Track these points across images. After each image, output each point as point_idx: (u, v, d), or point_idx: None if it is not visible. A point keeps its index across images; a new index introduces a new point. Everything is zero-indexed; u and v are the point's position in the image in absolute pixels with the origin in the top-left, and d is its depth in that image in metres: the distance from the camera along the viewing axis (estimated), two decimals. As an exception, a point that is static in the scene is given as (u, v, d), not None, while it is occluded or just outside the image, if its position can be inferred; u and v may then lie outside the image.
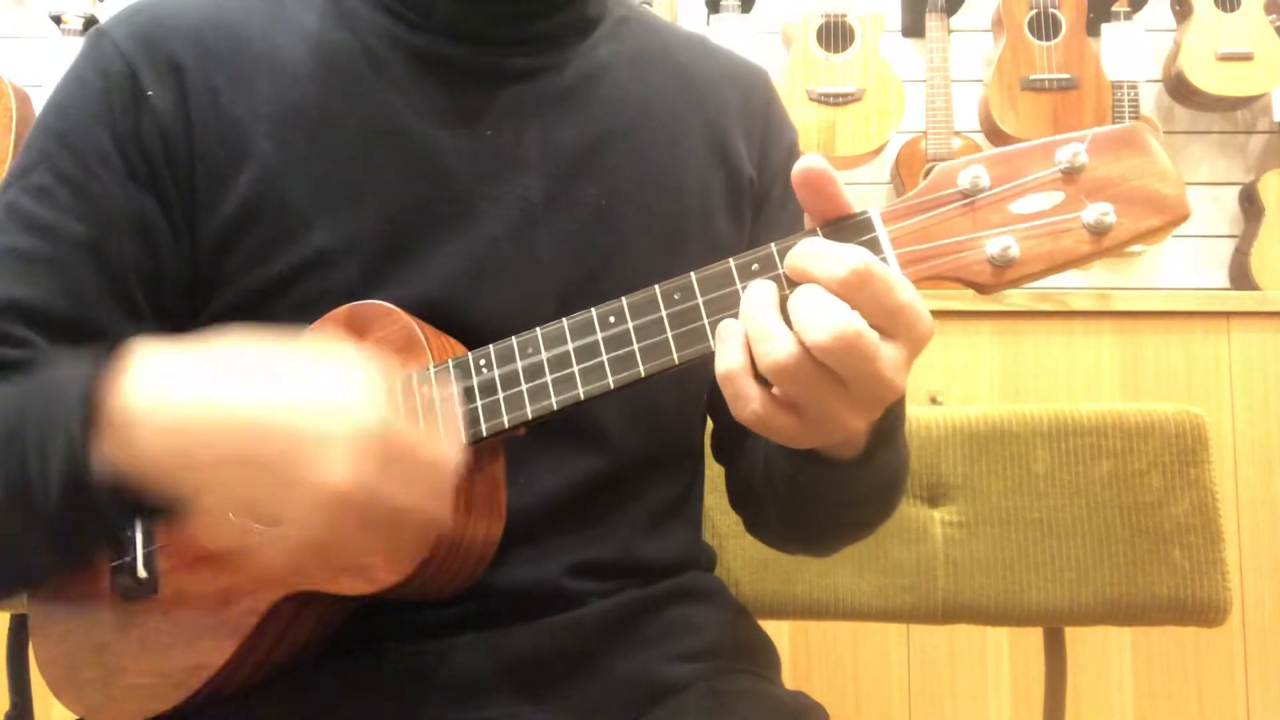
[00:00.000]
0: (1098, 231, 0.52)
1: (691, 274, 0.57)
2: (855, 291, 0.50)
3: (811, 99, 2.35)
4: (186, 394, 0.53)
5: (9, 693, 0.99)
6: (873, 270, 0.50)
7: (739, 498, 0.85)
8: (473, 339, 0.68)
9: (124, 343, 0.56)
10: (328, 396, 0.52)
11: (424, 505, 0.53)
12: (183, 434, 0.52)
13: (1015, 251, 0.52)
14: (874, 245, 0.54)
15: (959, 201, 0.54)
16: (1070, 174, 0.52)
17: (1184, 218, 0.52)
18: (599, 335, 0.59)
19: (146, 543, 0.68)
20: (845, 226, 0.54)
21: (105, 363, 0.54)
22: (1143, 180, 0.52)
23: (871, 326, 0.50)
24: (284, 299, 0.68)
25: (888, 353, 0.51)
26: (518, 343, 0.61)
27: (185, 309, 0.71)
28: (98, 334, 0.68)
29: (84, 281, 0.67)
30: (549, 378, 0.60)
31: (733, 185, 0.80)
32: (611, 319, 0.59)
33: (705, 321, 0.56)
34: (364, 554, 0.58)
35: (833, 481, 0.66)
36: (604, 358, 0.59)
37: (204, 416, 0.52)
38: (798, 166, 0.53)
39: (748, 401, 0.53)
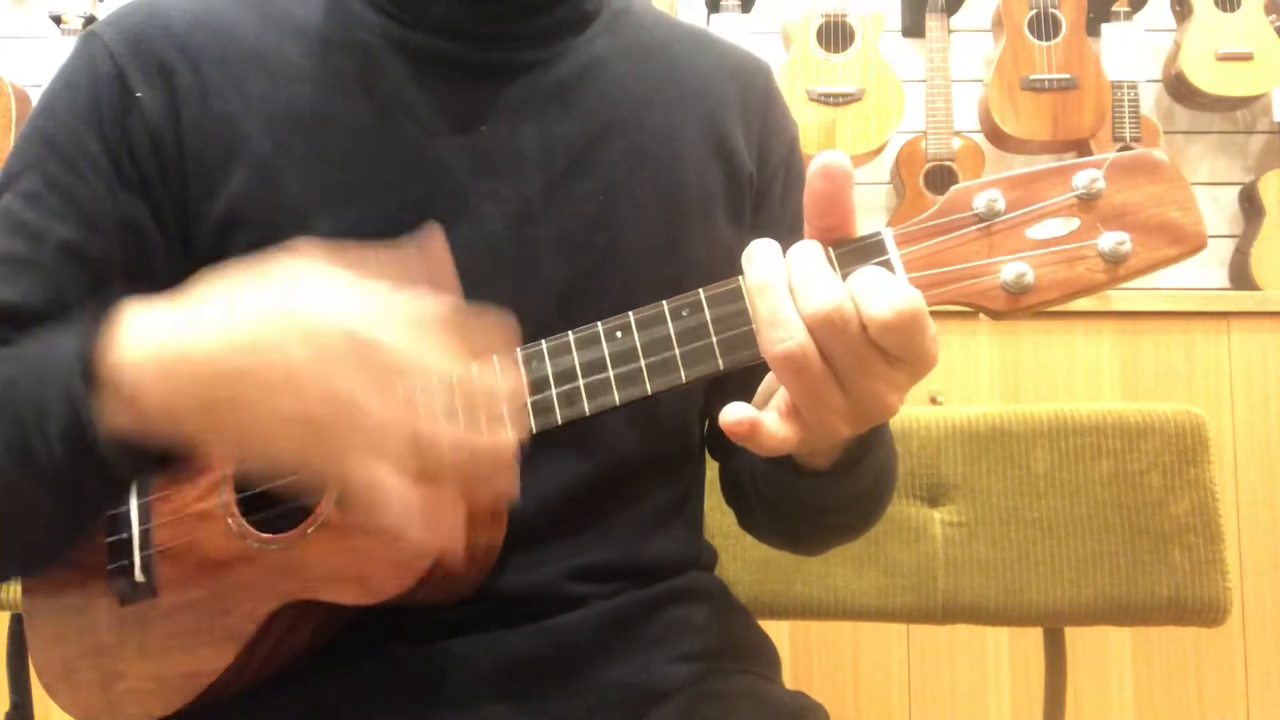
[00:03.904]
0: (1113, 260, 0.51)
1: (700, 291, 0.56)
2: (895, 334, 0.50)
3: (811, 99, 2.35)
4: (170, 345, 0.52)
5: (9, 693, 0.99)
6: (921, 314, 0.50)
7: (731, 494, 0.86)
8: None
9: (106, 308, 0.55)
10: (290, 311, 0.51)
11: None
12: (171, 386, 0.52)
13: (1030, 278, 0.51)
14: (886, 269, 0.53)
15: (974, 225, 0.53)
16: (1087, 200, 0.52)
17: (1200, 248, 0.51)
18: (605, 350, 0.58)
19: (144, 546, 0.68)
20: (858, 248, 0.54)
21: (95, 325, 0.54)
22: (1160, 209, 0.51)
23: (888, 352, 0.50)
24: (281, 300, 0.68)
25: (892, 373, 0.51)
26: (522, 355, 0.60)
27: None
28: None
29: (66, 283, 0.67)
30: (554, 392, 0.59)
31: (732, 181, 0.80)
32: (619, 333, 0.58)
33: (714, 340, 0.55)
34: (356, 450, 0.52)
35: (813, 489, 0.67)
36: (610, 374, 0.58)
37: (187, 365, 0.51)
38: (823, 160, 0.52)
39: (791, 328, 0.51)
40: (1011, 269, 0.52)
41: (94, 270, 0.67)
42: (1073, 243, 0.52)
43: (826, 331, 0.50)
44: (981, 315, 0.54)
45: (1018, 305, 0.52)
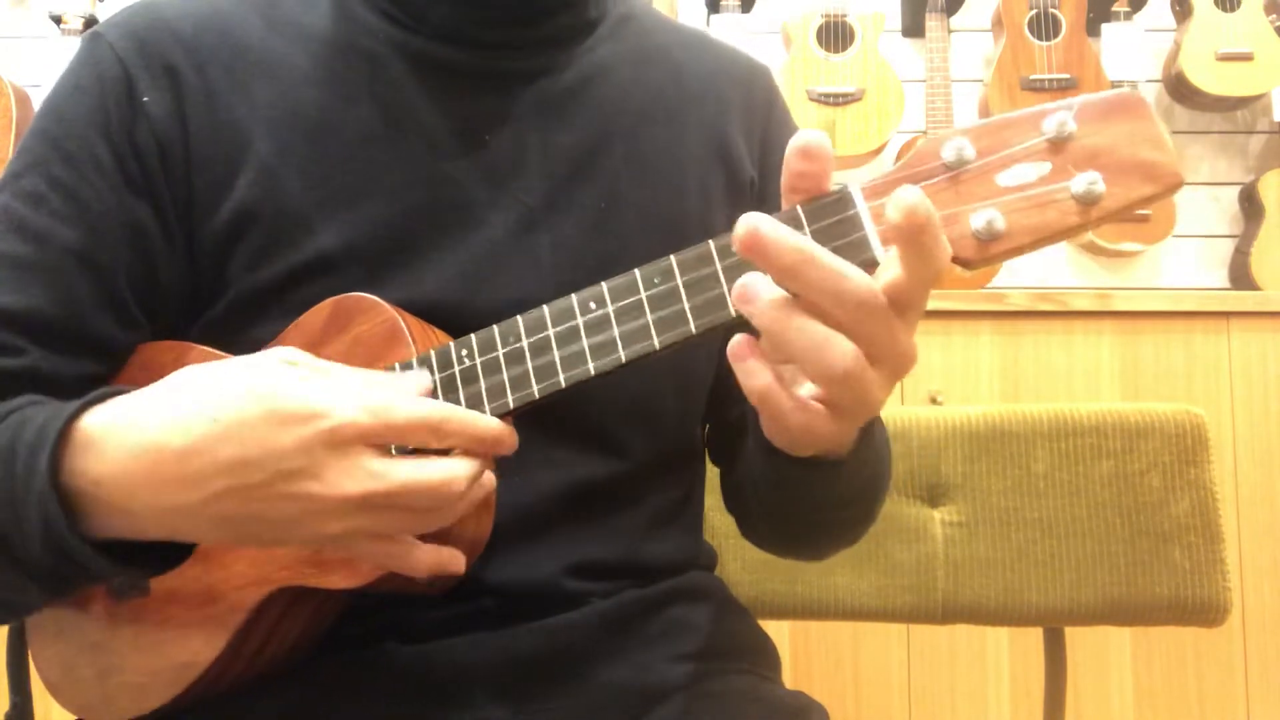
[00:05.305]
0: (1086, 202, 0.50)
1: (671, 257, 0.56)
2: (862, 322, 0.49)
3: (811, 99, 2.35)
4: (160, 442, 0.54)
5: (9, 693, 0.99)
6: (883, 301, 0.49)
7: (732, 500, 0.85)
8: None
9: (72, 403, 0.57)
10: (300, 403, 0.54)
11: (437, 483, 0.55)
12: (164, 481, 0.54)
13: (1001, 224, 0.50)
14: (854, 222, 0.52)
15: (943, 175, 0.52)
16: (1058, 143, 0.51)
17: (1177, 186, 0.50)
18: (579, 320, 0.58)
19: None
20: (826, 204, 0.53)
21: (60, 430, 0.56)
22: (1133, 148, 0.50)
23: (861, 346, 0.50)
24: (283, 303, 0.68)
25: (872, 376, 0.50)
26: (499, 330, 0.60)
27: (185, 314, 0.71)
28: (91, 341, 0.68)
29: (76, 289, 0.67)
30: (530, 365, 0.59)
31: (733, 186, 0.80)
32: (592, 304, 0.58)
33: (685, 305, 0.55)
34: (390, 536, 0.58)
35: (815, 482, 0.66)
36: (584, 344, 0.58)
37: (179, 445, 0.54)
38: (801, 137, 0.51)
39: (759, 375, 0.52)
40: (981, 216, 0.51)
41: (100, 275, 0.67)
42: (1044, 186, 0.50)
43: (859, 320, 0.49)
44: (959, 269, 0.53)
45: (989, 253, 0.51)
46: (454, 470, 0.55)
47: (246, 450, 0.53)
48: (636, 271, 0.57)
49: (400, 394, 0.56)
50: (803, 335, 0.49)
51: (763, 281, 0.50)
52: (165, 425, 0.54)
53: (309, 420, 0.53)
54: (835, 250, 0.51)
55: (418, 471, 0.55)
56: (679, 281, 0.55)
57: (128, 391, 0.58)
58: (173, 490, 0.54)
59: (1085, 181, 0.50)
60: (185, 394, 0.55)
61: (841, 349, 0.49)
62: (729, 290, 0.54)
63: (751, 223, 0.49)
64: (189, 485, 0.54)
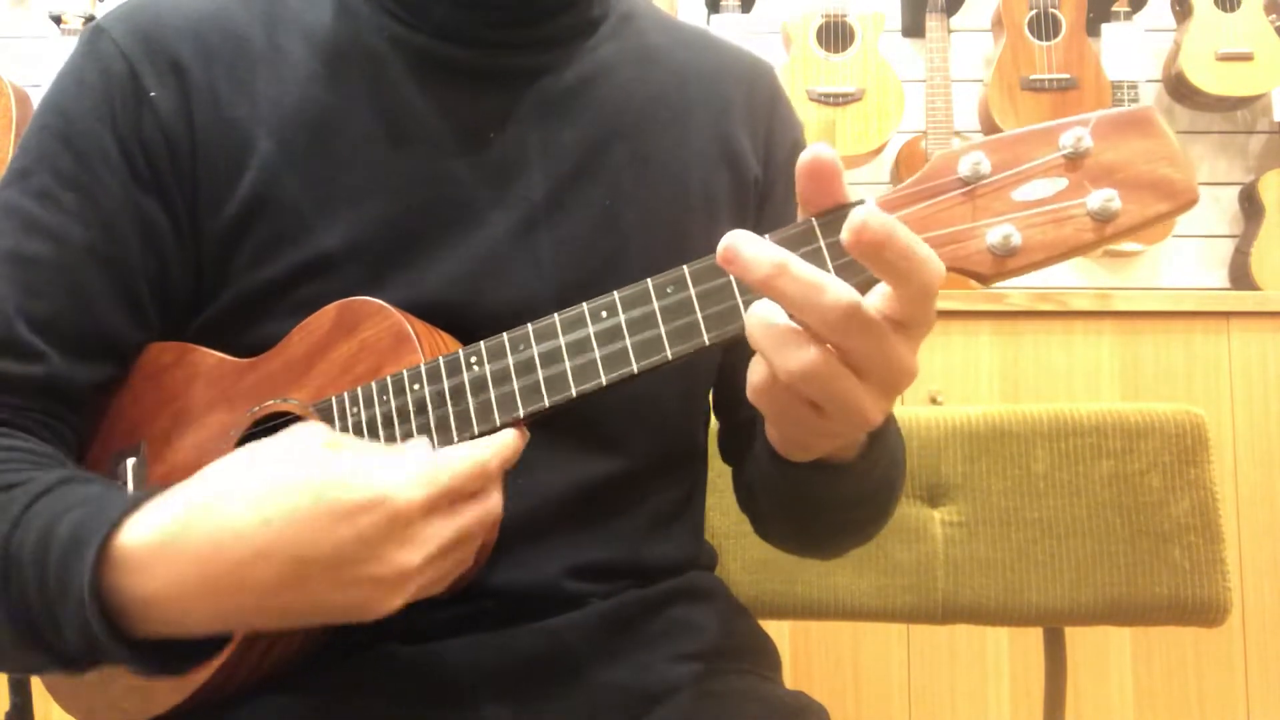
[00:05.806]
0: (1102, 218, 0.49)
1: (684, 267, 0.56)
2: (844, 336, 0.49)
3: (811, 99, 2.35)
4: (212, 554, 0.53)
5: (9, 693, 0.99)
6: (867, 315, 0.48)
7: (744, 499, 0.85)
8: (475, 342, 0.68)
9: (109, 497, 0.57)
10: (357, 492, 0.53)
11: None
12: (221, 590, 0.53)
13: (1017, 240, 0.50)
14: None
15: (958, 189, 0.51)
16: (1074, 159, 0.50)
17: (1192, 203, 0.50)
18: (590, 330, 0.58)
19: None
20: (840, 218, 0.52)
21: (99, 547, 0.54)
22: (1150, 165, 0.50)
23: (851, 363, 0.49)
24: (285, 301, 0.68)
25: (854, 385, 0.50)
26: (509, 338, 0.60)
27: (186, 313, 0.71)
28: (106, 343, 0.68)
29: (92, 288, 0.67)
30: (540, 375, 0.59)
31: (737, 184, 0.80)
32: (604, 313, 0.57)
33: (699, 316, 0.55)
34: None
35: (820, 484, 0.66)
36: (596, 354, 0.57)
37: (234, 554, 0.53)
38: (806, 154, 0.51)
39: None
40: (998, 231, 0.50)
41: (114, 273, 0.67)
42: (1060, 202, 0.50)
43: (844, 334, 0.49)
44: (972, 281, 0.53)
45: (1005, 268, 0.51)
46: (492, 499, 0.57)
47: (304, 549, 0.52)
48: (649, 281, 0.56)
49: (439, 454, 0.56)
50: (768, 334, 0.50)
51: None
52: (215, 535, 0.53)
53: (369, 510, 0.53)
54: (847, 264, 0.51)
55: (464, 515, 0.56)
56: (692, 292, 0.55)
57: (159, 492, 0.56)
58: (230, 596, 0.53)
59: (1101, 198, 0.50)
60: (233, 497, 0.54)
61: (802, 351, 0.49)
62: (742, 301, 0.54)
63: (730, 239, 0.49)
64: (247, 590, 0.53)
